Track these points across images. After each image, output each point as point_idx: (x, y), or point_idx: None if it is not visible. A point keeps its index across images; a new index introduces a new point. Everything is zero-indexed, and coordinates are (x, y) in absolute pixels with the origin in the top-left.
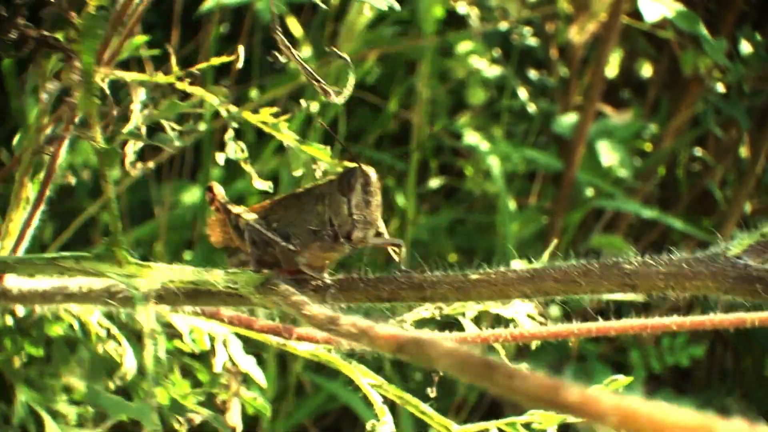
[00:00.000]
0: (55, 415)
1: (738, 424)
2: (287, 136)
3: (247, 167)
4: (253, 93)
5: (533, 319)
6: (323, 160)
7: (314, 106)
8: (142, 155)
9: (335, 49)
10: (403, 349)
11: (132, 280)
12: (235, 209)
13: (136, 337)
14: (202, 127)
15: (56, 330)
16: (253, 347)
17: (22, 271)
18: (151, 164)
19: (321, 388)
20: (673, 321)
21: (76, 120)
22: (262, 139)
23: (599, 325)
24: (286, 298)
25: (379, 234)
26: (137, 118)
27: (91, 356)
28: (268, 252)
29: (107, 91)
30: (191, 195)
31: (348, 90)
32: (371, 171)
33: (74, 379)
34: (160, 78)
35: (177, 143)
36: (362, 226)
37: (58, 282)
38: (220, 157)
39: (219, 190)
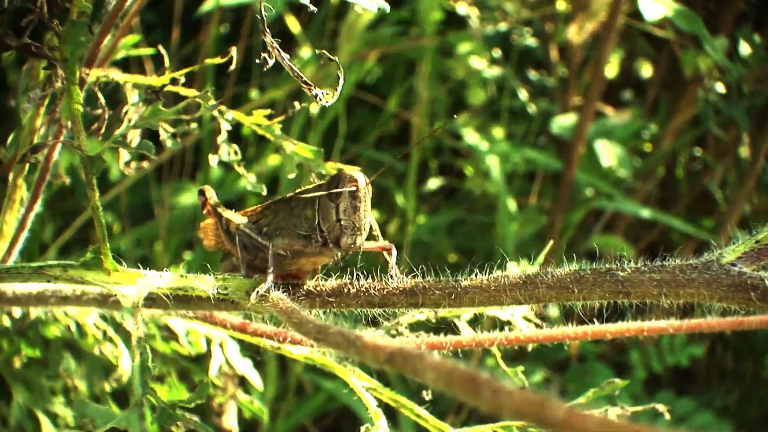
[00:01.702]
0: (52, 417)
1: None
2: (281, 138)
3: (241, 170)
4: (253, 94)
5: (529, 321)
6: (316, 163)
7: (314, 107)
8: (141, 155)
9: (326, 52)
10: (390, 361)
11: (121, 288)
12: (226, 213)
13: (128, 334)
14: (196, 127)
15: (53, 331)
16: (252, 349)
17: (9, 279)
18: (147, 164)
19: (321, 388)
20: (670, 324)
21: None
22: (262, 140)
23: (595, 329)
24: (277, 306)
25: (373, 237)
26: (127, 123)
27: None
28: (258, 257)
29: (99, 94)
30: (191, 195)
31: (338, 92)
32: (360, 176)
33: (74, 380)
34: (152, 80)
35: (170, 145)
36: (350, 231)
37: (52, 285)
38: (213, 160)
39: (211, 194)
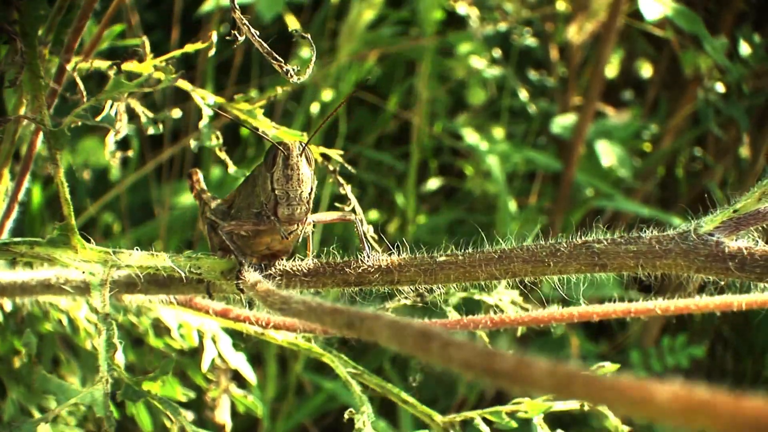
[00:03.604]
0: (47, 413)
1: (674, 386)
2: (262, 122)
3: (222, 154)
4: (253, 93)
5: (516, 304)
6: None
7: (315, 107)
8: (142, 155)
9: (298, 31)
10: (349, 324)
11: (88, 265)
12: (205, 197)
13: (125, 332)
14: (177, 113)
15: (46, 327)
16: (239, 338)
17: None
18: (148, 164)
19: (321, 388)
20: (658, 305)
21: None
22: (262, 141)
23: (581, 310)
24: (247, 283)
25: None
26: (93, 98)
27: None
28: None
29: (78, 80)
30: (191, 195)
31: (309, 70)
32: (294, 144)
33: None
34: (134, 66)
35: (152, 131)
36: (286, 201)
37: (38, 274)
38: (193, 144)
39: (198, 177)
